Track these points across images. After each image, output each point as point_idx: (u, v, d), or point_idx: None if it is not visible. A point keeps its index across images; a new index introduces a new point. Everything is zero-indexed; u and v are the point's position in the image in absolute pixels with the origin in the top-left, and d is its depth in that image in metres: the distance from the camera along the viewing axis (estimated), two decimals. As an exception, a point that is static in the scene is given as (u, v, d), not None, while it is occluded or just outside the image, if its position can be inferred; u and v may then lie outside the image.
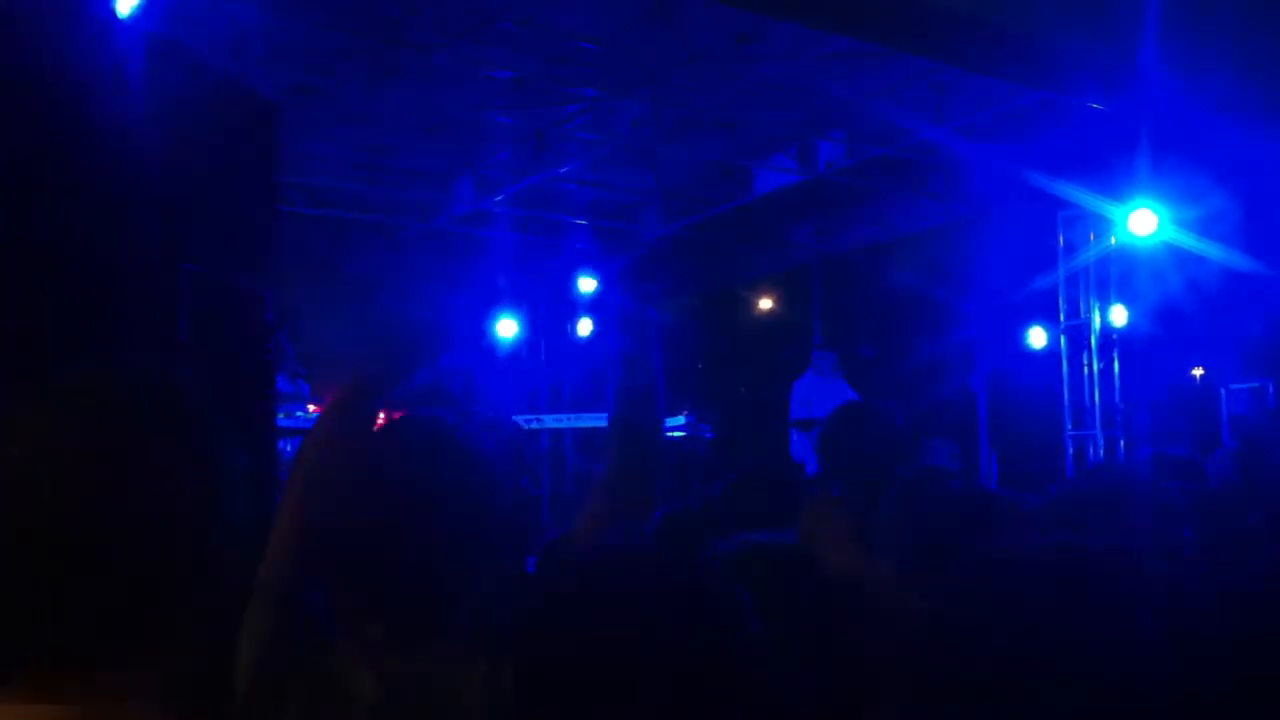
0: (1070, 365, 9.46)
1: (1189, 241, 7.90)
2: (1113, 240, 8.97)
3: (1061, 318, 9.52)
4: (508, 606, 1.51)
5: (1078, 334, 9.43)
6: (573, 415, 10.68)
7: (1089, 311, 9.39)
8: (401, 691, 1.48)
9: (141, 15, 4.04)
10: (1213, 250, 7.73)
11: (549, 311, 11.92)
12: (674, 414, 8.14)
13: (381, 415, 1.73)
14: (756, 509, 2.56)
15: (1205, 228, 7.81)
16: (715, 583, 1.69)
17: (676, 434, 8.39)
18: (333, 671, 1.49)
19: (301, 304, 7.55)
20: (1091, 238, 9.23)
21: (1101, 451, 9.17)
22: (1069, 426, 9.37)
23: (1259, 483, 2.52)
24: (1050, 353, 9.70)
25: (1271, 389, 8.66)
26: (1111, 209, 8.32)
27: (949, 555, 1.73)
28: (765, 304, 13.51)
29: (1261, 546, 1.80)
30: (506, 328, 11.10)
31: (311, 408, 7.54)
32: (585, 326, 11.53)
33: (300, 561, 1.59)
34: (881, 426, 3.14)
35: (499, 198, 9.38)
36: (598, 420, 9.88)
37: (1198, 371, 10.30)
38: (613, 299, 1.86)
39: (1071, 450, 9.32)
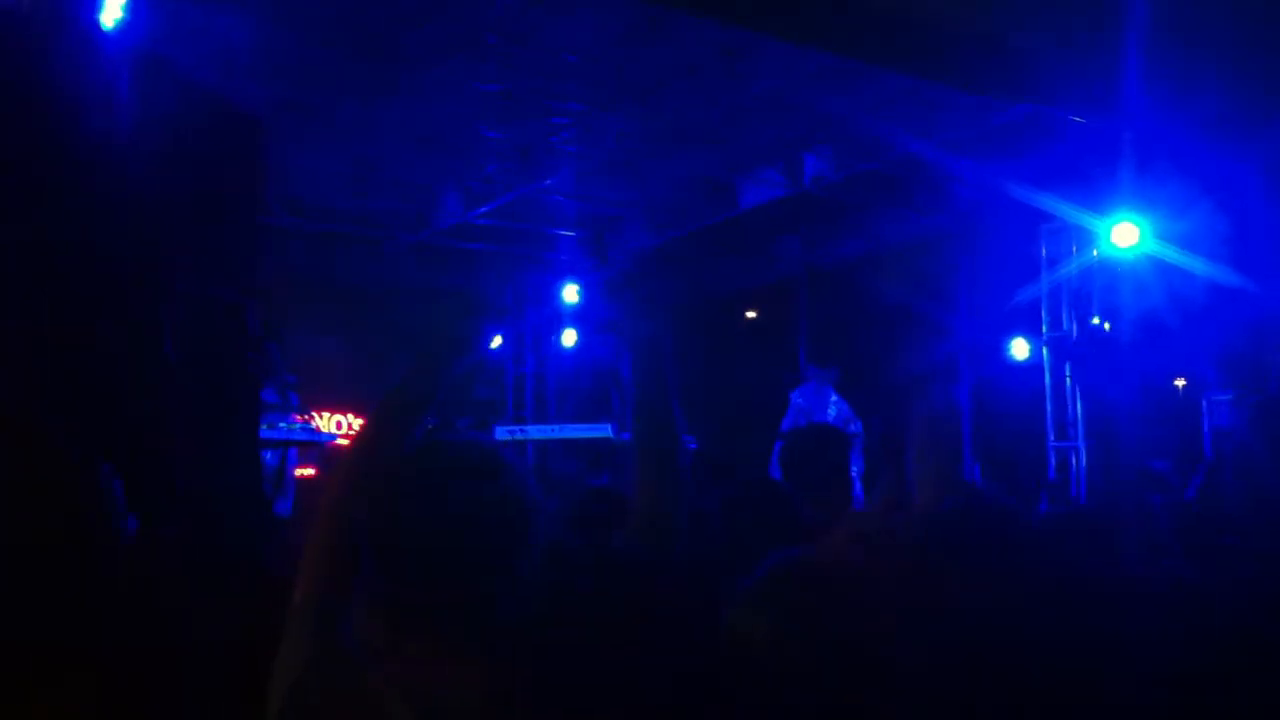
0: (1053, 377, 9.52)
1: (1171, 254, 7.97)
2: (1095, 253, 9.04)
3: (1044, 329, 9.58)
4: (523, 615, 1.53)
5: (1060, 345, 9.49)
6: (558, 426, 10.67)
7: (1071, 323, 9.45)
8: (436, 712, 1.48)
9: (127, 30, 4.03)
10: (1194, 263, 7.79)
11: (534, 322, 11.92)
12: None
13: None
14: (752, 523, 2.57)
15: (1187, 241, 7.87)
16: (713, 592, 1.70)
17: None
18: (367, 695, 1.49)
19: (288, 316, 7.55)
20: (1074, 250, 9.29)
21: (1084, 462, 9.22)
22: (1052, 437, 9.43)
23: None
24: (1033, 364, 9.75)
25: (1251, 398, 8.70)
26: (1094, 222, 8.38)
27: (961, 562, 1.75)
28: (751, 316, 13.53)
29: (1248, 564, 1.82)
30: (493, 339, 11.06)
31: (299, 419, 7.52)
32: (570, 337, 11.54)
33: (336, 584, 1.58)
34: (835, 446, 3.45)
35: (484, 210, 9.39)
36: (582, 431, 9.88)
37: (1180, 383, 10.36)
38: (620, 315, 1.89)
39: (1054, 461, 9.37)
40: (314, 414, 8.85)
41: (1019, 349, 9.94)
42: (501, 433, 9.97)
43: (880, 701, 1.56)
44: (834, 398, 8.92)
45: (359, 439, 1.77)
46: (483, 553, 1.55)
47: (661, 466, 1.89)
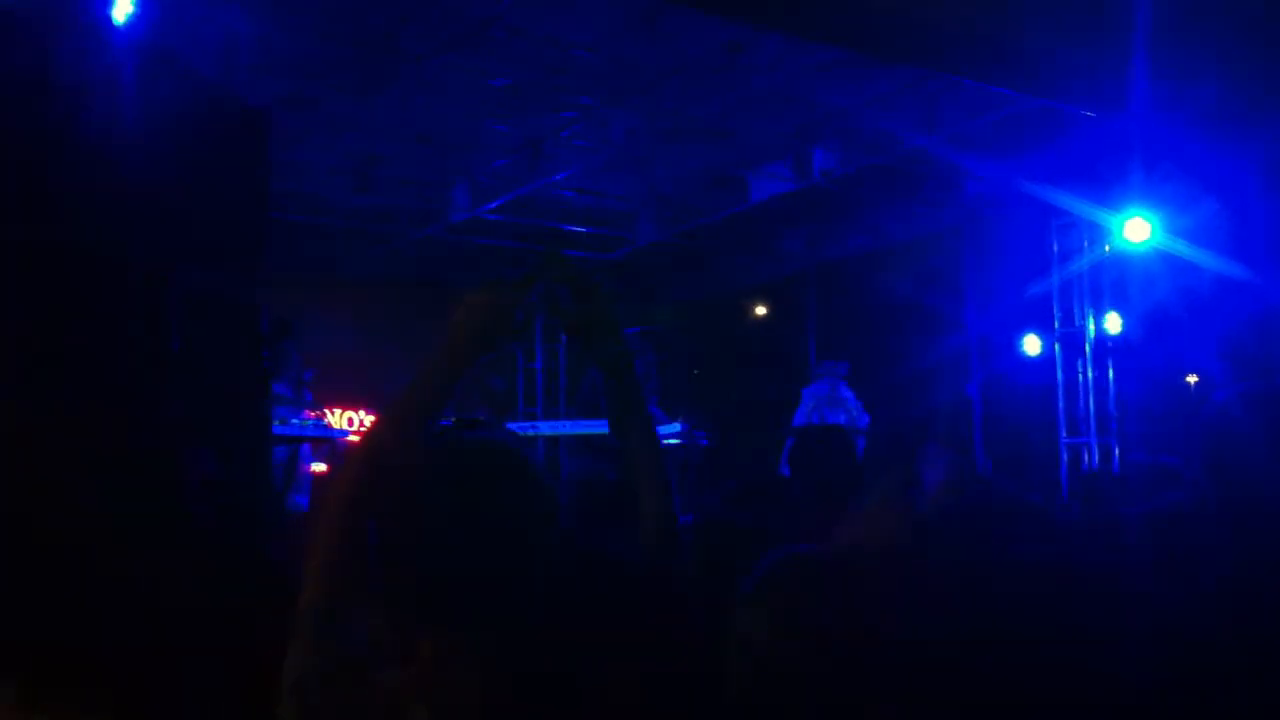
0: (1065, 372, 9.48)
1: (1182, 249, 7.92)
2: (1106, 248, 8.99)
3: (1056, 325, 9.53)
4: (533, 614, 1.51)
5: (1072, 341, 9.45)
6: (568, 422, 10.67)
7: (1083, 318, 9.40)
8: (453, 712, 1.45)
9: (134, 24, 4.04)
10: (1206, 258, 7.74)
11: (545, 318, 11.91)
12: (670, 421, 8.16)
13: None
14: (754, 520, 2.56)
15: (1199, 235, 7.83)
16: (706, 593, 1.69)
17: (672, 441, 8.40)
18: (381, 697, 1.46)
19: (298, 312, 7.56)
20: (1085, 245, 9.24)
21: (1095, 458, 9.17)
22: (1064, 433, 9.38)
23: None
24: (1045, 359, 9.71)
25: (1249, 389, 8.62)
26: (1105, 216, 8.34)
27: (966, 560, 1.74)
28: (760, 311, 13.52)
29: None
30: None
31: (310, 414, 7.54)
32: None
33: (345, 585, 1.55)
34: (840, 448, 3.59)
35: (494, 205, 9.39)
36: (592, 427, 9.88)
37: (1191, 378, 10.31)
38: (583, 329, 1.82)
39: (1066, 457, 9.33)
40: (326, 410, 8.87)
41: (1030, 344, 9.91)
42: (513, 428, 9.98)
43: (882, 702, 1.55)
44: (845, 392, 8.94)
45: (369, 436, 1.69)
46: (502, 554, 1.52)
47: (646, 464, 1.86)
